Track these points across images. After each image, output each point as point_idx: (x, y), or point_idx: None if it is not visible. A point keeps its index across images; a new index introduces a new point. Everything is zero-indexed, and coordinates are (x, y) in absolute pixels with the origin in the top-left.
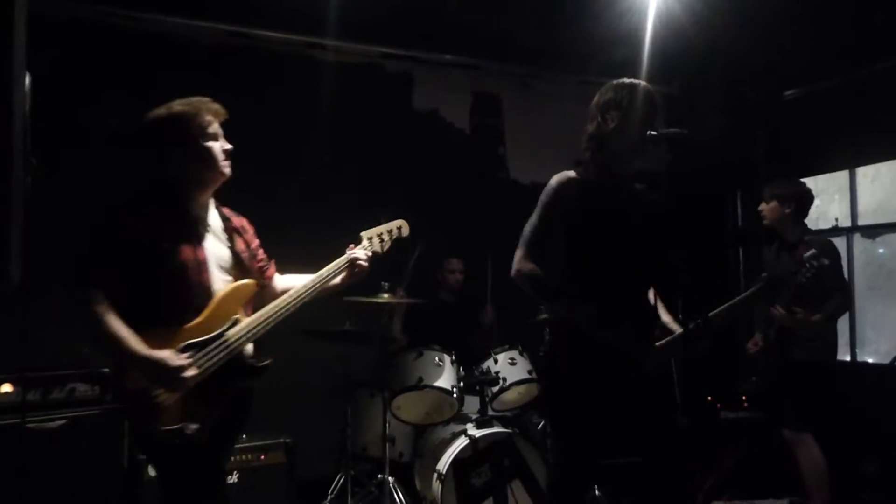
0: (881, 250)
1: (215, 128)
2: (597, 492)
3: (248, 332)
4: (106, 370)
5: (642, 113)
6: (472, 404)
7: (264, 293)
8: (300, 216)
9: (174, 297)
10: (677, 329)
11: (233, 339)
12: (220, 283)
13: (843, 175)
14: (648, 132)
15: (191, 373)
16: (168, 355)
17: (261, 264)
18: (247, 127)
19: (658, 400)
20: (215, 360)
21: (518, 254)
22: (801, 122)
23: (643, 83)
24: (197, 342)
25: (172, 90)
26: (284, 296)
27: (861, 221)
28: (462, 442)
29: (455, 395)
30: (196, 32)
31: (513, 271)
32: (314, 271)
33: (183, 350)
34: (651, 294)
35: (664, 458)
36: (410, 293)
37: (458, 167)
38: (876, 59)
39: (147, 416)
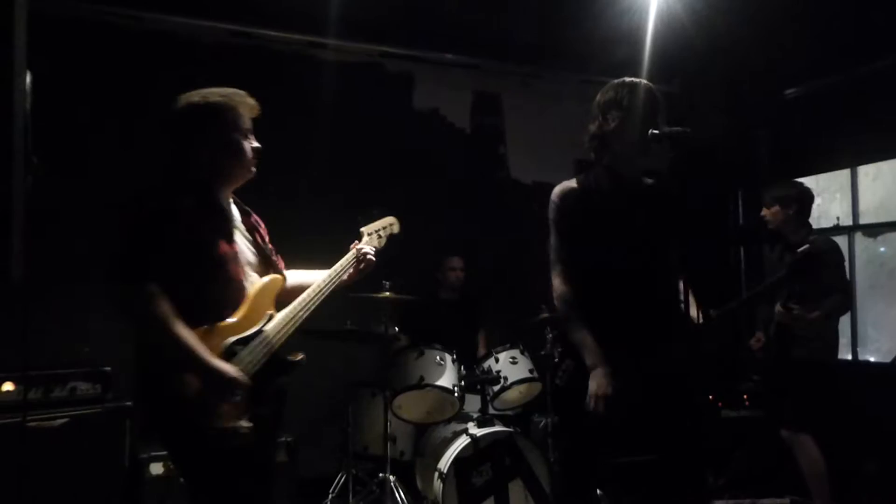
0: (882, 249)
1: (248, 124)
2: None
3: (283, 327)
4: (107, 369)
5: (643, 111)
6: (473, 403)
7: None
8: (300, 215)
9: (216, 292)
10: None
11: (272, 336)
12: (250, 278)
13: (844, 174)
14: (650, 131)
15: (245, 384)
16: (233, 370)
17: (276, 259)
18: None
19: (674, 398)
20: (260, 357)
21: (552, 277)
22: (803, 120)
23: (644, 82)
24: (242, 339)
25: (174, 89)
26: (307, 291)
27: (862, 220)
28: (463, 441)
29: (456, 395)
30: (197, 32)
31: (554, 293)
32: (316, 268)
33: (231, 347)
34: (676, 288)
35: (680, 457)
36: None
37: (459, 166)
38: (877, 58)
39: (203, 416)
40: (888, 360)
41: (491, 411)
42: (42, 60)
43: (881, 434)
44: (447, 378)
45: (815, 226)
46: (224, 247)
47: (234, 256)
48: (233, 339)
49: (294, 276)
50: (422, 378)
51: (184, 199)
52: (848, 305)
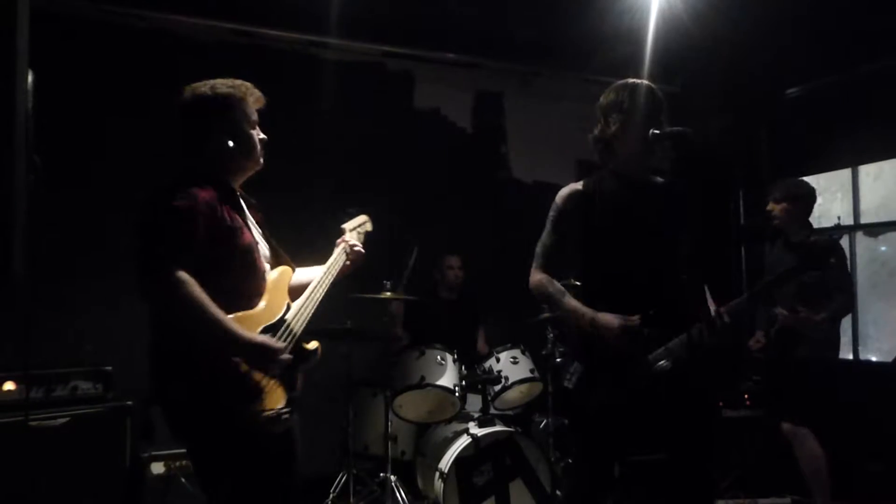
0: (883, 248)
1: (256, 115)
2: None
3: (301, 316)
4: (108, 368)
5: (644, 113)
6: (474, 403)
7: None
8: (300, 214)
9: (244, 281)
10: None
11: (293, 324)
12: (266, 267)
13: (845, 173)
14: (651, 131)
15: (287, 355)
16: (269, 339)
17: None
18: None
19: (684, 397)
20: (288, 344)
21: (531, 270)
22: (804, 120)
23: (645, 82)
24: (270, 326)
25: (175, 88)
26: (312, 285)
27: (863, 220)
28: (464, 441)
29: (457, 394)
30: (199, 30)
31: (529, 286)
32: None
33: (262, 334)
34: (690, 290)
35: (689, 456)
36: (409, 293)
37: (460, 166)
38: (878, 57)
39: (249, 402)
40: (889, 359)
41: (492, 411)
42: (43, 58)
43: (882, 433)
44: (448, 378)
45: (816, 225)
46: (247, 236)
47: (256, 246)
48: (262, 326)
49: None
50: (423, 378)
51: (207, 189)
52: (852, 306)
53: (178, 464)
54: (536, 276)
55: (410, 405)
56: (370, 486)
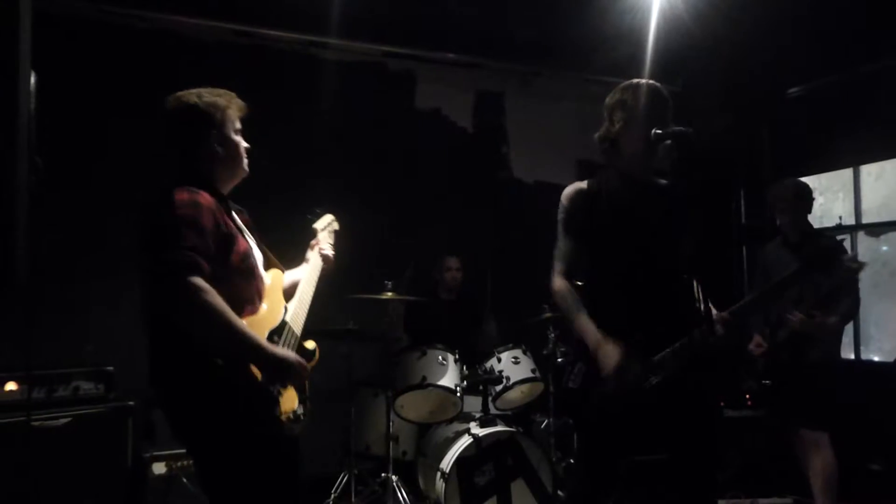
0: (885, 248)
1: (239, 124)
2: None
3: (299, 317)
4: (110, 369)
5: (647, 111)
6: (475, 403)
7: None
8: (301, 212)
9: (246, 284)
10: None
11: (294, 325)
12: (262, 271)
13: (846, 173)
14: (654, 131)
15: (306, 369)
16: (292, 354)
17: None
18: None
19: (687, 397)
20: (292, 346)
21: (552, 274)
22: (805, 119)
23: (651, 82)
24: (276, 328)
25: (176, 88)
26: (302, 284)
27: (865, 219)
28: (465, 441)
29: (458, 394)
30: (200, 31)
31: (552, 292)
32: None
33: (271, 337)
34: (692, 290)
35: (692, 456)
36: (409, 293)
37: (461, 166)
38: (879, 56)
39: (271, 406)
40: (891, 359)
41: (493, 411)
42: (44, 60)
43: (883, 433)
44: (449, 378)
45: (817, 225)
46: (243, 241)
47: (251, 251)
48: (269, 329)
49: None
50: (424, 378)
51: (208, 197)
52: (858, 307)
53: (179, 464)
54: (558, 283)
55: (412, 405)
56: (372, 486)
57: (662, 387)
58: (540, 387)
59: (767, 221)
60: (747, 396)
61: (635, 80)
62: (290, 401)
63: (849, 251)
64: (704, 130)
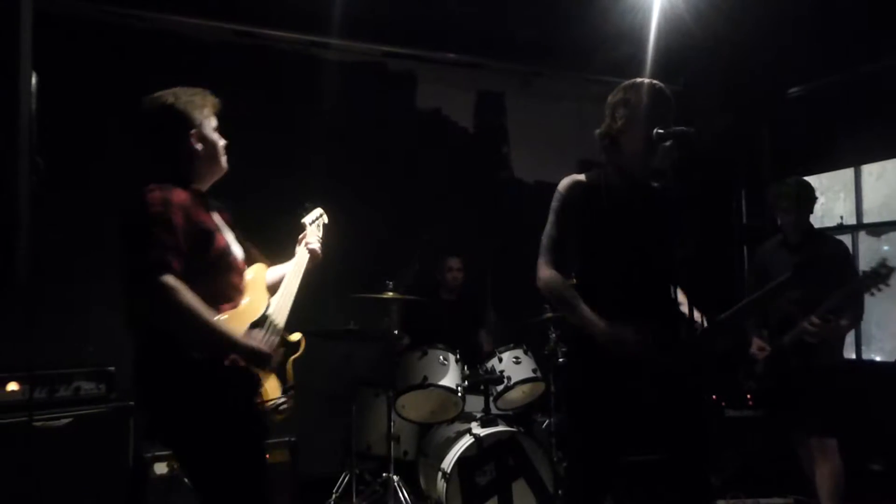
0: (886, 248)
1: (216, 121)
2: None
3: (282, 310)
4: (111, 369)
5: (649, 110)
6: (476, 403)
7: None
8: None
9: (225, 280)
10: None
11: (277, 318)
12: (243, 266)
13: (847, 173)
14: (655, 130)
15: (277, 355)
16: (263, 341)
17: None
18: (250, 124)
19: (682, 397)
20: (273, 339)
21: (539, 263)
22: (806, 119)
23: (653, 81)
24: (257, 321)
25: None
26: (289, 281)
27: (866, 219)
28: (467, 441)
29: (459, 394)
30: (201, 31)
31: (537, 281)
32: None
33: (250, 330)
34: (675, 293)
35: (687, 456)
36: (411, 293)
37: (462, 166)
38: (880, 56)
39: (252, 395)
40: (892, 359)
41: (494, 411)
42: (45, 60)
43: (885, 433)
44: (450, 378)
45: (818, 225)
46: (221, 238)
47: (230, 247)
48: (250, 322)
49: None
50: (425, 378)
51: (180, 193)
52: (863, 308)
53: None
54: (547, 273)
55: (413, 405)
56: (373, 486)
57: (655, 385)
58: (541, 387)
59: (768, 221)
60: (748, 397)
61: (639, 80)
62: (272, 390)
63: (851, 250)
64: (705, 130)
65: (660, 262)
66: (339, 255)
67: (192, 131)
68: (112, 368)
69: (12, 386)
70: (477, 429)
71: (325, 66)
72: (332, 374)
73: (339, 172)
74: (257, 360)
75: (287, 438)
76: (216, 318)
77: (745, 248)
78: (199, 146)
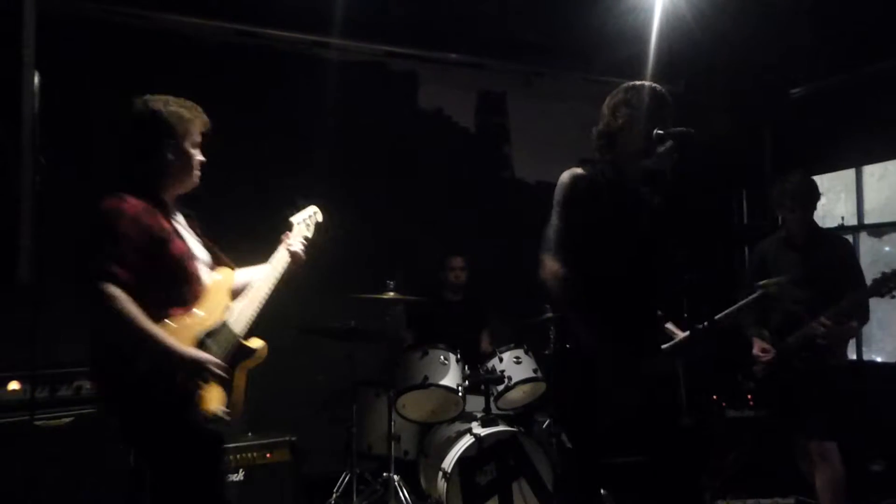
0: (887, 249)
1: (199, 138)
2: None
3: (243, 318)
4: None
5: (650, 111)
6: (477, 403)
7: None
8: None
9: (178, 287)
10: (678, 334)
11: (236, 327)
12: (203, 272)
13: (849, 173)
14: (655, 131)
15: (220, 363)
16: (201, 353)
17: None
18: (251, 124)
19: (663, 401)
20: (228, 347)
21: (545, 257)
22: (807, 120)
23: (654, 84)
24: (211, 331)
25: (179, 88)
26: (259, 285)
27: (867, 220)
28: (467, 441)
29: (460, 394)
30: (203, 31)
31: (544, 277)
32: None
33: (203, 339)
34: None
35: (670, 459)
36: (413, 293)
37: (463, 166)
38: (882, 57)
39: (190, 405)
40: (893, 360)
41: (494, 411)
42: (47, 59)
43: (886, 434)
44: (451, 378)
45: (819, 225)
46: (178, 243)
47: (189, 253)
48: (203, 331)
49: (239, 272)
50: (426, 378)
51: (137, 200)
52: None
53: None
54: (554, 267)
55: (414, 405)
56: (373, 485)
57: (653, 392)
58: (542, 387)
59: (768, 222)
60: (749, 397)
61: (639, 82)
62: (213, 400)
63: (856, 250)
64: (706, 131)
65: (658, 262)
66: (338, 255)
67: (171, 141)
68: None
69: (14, 385)
70: (477, 429)
71: (327, 66)
72: (332, 374)
73: (340, 172)
74: (197, 372)
75: (288, 438)
76: (160, 327)
77: (745, 248)
78: (171, 157)
